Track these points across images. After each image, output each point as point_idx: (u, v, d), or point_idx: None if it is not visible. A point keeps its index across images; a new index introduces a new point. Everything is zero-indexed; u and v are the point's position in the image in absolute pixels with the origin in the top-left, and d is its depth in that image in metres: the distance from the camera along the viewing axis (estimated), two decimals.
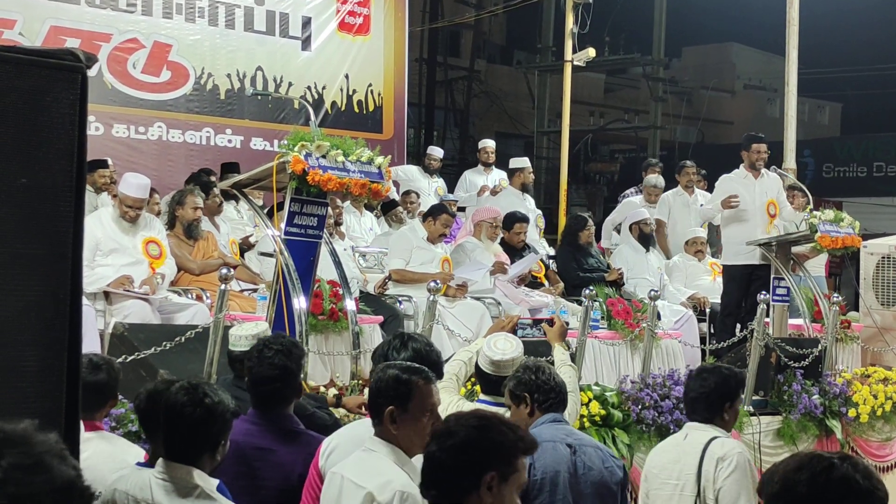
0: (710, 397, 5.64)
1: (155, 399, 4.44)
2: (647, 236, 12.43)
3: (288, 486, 4.82)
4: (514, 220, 11.67)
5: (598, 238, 13.52)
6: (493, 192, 14.34)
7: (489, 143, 15.67)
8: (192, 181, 11.82)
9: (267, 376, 4.96)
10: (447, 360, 5.83)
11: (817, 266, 13.04)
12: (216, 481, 4.28)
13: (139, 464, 4.45)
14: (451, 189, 15.72)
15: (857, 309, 12.89)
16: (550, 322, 6.45)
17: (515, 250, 11.50)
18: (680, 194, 13.70)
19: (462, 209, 14.32)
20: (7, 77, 3.27)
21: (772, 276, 11.16)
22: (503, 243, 11.45)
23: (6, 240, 3.28)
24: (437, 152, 15.62)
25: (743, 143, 11.78)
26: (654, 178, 14.58)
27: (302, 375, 7.06)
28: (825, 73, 34.40)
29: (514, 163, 14.26)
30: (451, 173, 28.54)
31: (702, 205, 13.44)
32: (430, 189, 14.53)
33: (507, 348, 5.44)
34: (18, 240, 3.30)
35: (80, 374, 3.49)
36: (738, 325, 11.06)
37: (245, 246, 11.16)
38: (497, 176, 14.94)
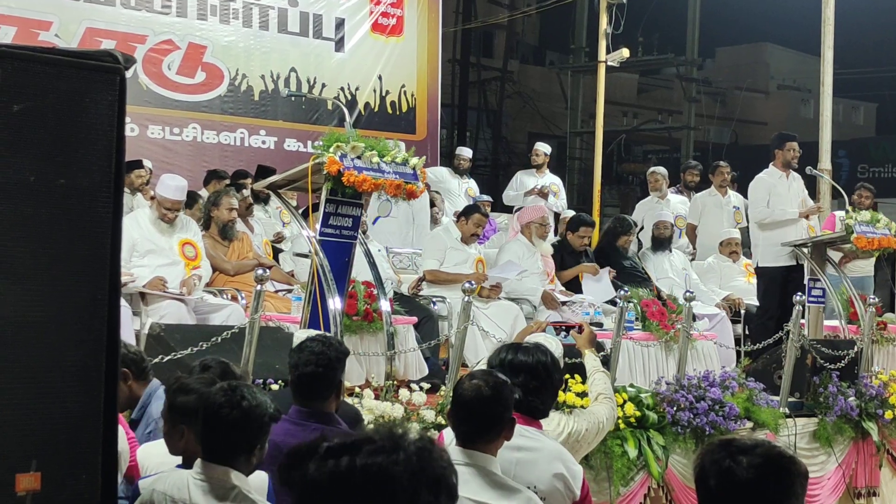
0: None
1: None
2: (660, 240, 12.33)
3: None
4: (580, 222, 11.45)
5: None
6: (543, 194, 14.29)
7: (541, 147, 15.39)
8: (210, 179, 11.87)
9: (306, 362, 4.93)
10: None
11: (865, 267, 12.89)
12: (264, 476, 4.30)
13: (180, 465, 4.45)
14: (485, 190, 15.64)
15: (893, 310, 12.78)
16: (579, 329, 6.40)
17: (576, 253, 11.29)
18: (713, 195, 13.68)
19: (510, 209, 14.32)
20: (46, 78, 3.29)
21: (806, 277, 11.09)
22: (563, 244, 11.38)
23: (45, 240, 3.29)
24: (465, 152, 15.45)
25: (775, 143, 11.77)
26: (655, 167, 14.83)
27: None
28: (860, 74, 34.18)
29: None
30: (483, 174, 28.55)
31: (735, 206, 13.41)
32: (460, 190, 14.45)
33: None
34: (57, 240, 3.32)
35: (118, 373, 3.51)
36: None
37: (276, 238, 11.22)
38: (549, 179, 14.85)
